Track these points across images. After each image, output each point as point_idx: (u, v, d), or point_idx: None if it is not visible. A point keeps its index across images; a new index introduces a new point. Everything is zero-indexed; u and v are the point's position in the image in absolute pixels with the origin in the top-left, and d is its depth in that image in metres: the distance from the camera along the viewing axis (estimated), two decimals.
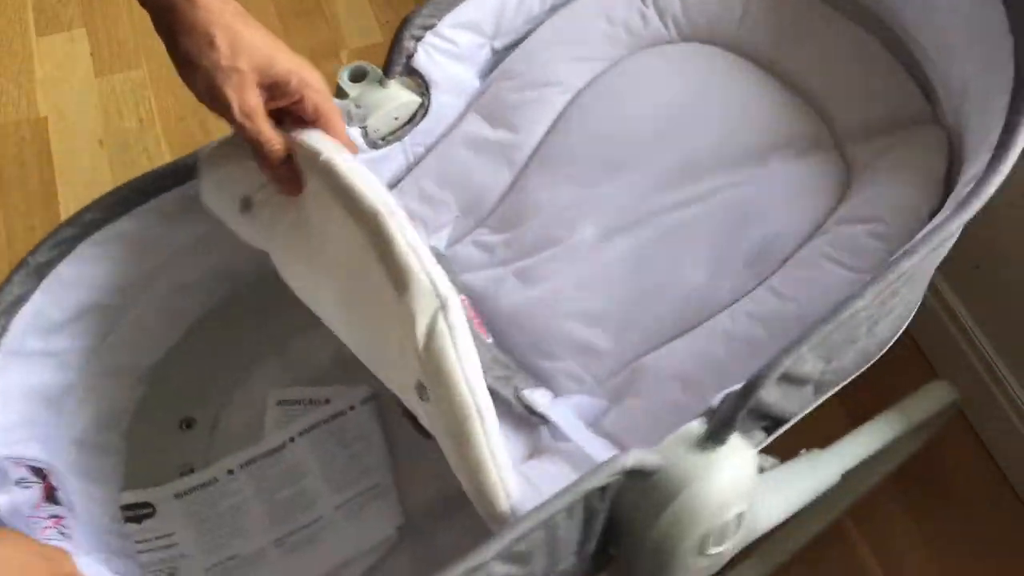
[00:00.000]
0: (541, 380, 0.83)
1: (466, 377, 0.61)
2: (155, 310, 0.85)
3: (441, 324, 0.61)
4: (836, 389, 0.86)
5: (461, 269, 0.90)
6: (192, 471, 0.87)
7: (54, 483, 0.72)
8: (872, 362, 0.87)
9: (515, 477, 0.66)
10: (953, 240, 0.76)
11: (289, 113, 0.72)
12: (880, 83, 0.88)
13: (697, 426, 0.70)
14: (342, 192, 0.66)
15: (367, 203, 0.65)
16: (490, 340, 0.83)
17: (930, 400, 1.02)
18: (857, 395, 0.87)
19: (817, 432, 0.84)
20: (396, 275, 0.62)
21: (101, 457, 0.82)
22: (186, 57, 0.67)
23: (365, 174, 0.67)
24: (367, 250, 0.64)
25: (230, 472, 0.87)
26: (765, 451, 0.79)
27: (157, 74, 1.59)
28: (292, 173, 0.71)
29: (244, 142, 0.71)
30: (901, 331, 0.88)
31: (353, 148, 0.74)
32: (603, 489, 0.66)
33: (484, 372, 0.76)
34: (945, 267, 0.82)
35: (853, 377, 0.87)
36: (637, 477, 0.69)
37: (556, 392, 0.83)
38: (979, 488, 1.18)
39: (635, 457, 0.66)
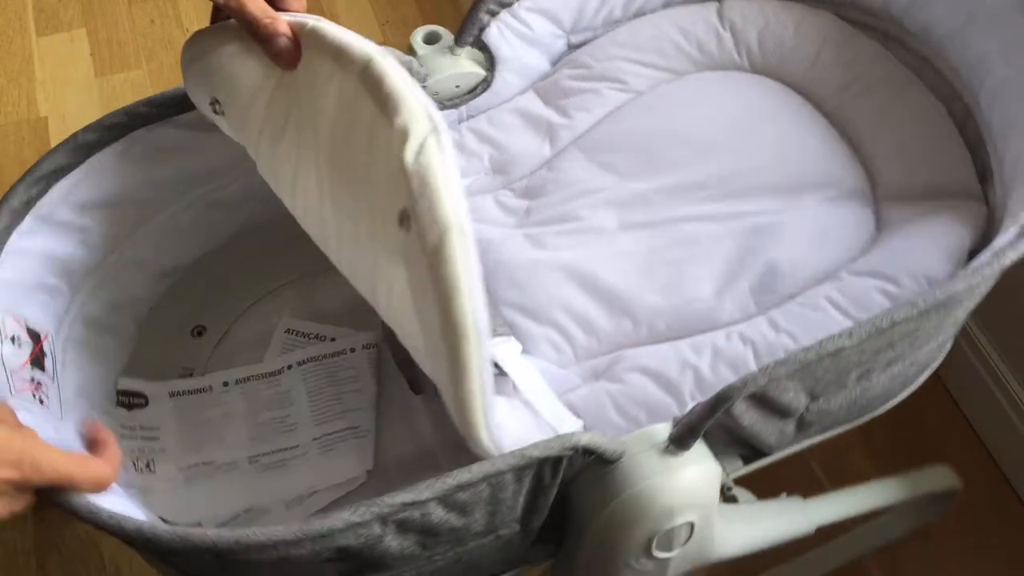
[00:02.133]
0: (518, 339, 0.82)
1: (451, 191, 0.58)
2: (189, 217, 0.88)
3: (432, 142, 0.58)
4: (822, 437, 0.86)
5: (475, 219, 0.90)
6: (191, 375, 0.91)
7: (45, 349, 0.75)
8: (865, 418, 0.87)
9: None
10: (962, 307, 0.75)
11: None
12: (935, 150, 0.88)
13: (663, 428, 0.71)
14: (332, 48, 0.65)
15: (357, 51, 0.63)
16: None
17: (928, 481, 1.00)
18: None
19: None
20: (389, 103, 0.60)
21: (108, 338, 0.85)
22: None
23: (352, 33, 0.66)
24: (358, 96, 0.62)
25: (225, 384, 0.90)
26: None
27: (157, 74, 1.59)
28: (289, 44, 0.69)
29: (200, 36, 0.72)
30: (901, 396, 0.87)
31: None
32: (556, 465, 0.67)
33: None
34: None
35: (842, 430, 0.87)
36: (594, 463, 0.70)
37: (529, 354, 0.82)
38: (980, 489, 1.17)
39: (592, 438, 0.66)
